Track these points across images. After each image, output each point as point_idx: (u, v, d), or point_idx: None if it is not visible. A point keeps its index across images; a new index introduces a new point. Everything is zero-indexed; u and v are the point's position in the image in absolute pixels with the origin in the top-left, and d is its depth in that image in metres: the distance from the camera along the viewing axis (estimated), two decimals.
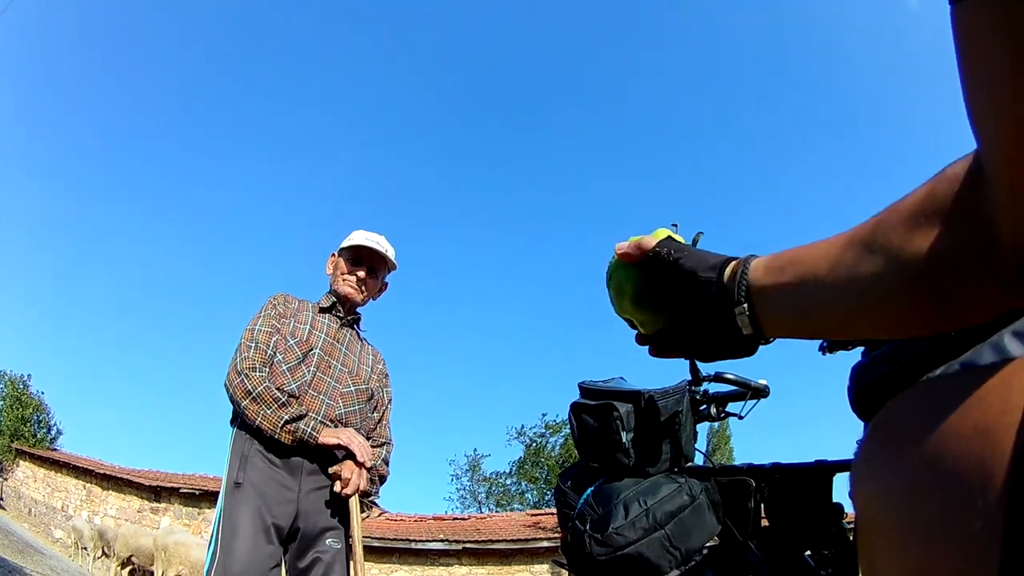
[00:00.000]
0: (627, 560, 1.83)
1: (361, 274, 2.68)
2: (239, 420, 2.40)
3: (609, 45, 61.40)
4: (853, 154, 54.98)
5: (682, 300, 0.76)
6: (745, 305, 0.67)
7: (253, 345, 2.41)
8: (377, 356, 2.84)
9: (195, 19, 60.02)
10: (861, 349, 1.78)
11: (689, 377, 2.14)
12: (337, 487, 2.31)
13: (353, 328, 2.77)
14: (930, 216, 0.48)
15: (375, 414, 2.70)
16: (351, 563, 2.37)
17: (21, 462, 23.15)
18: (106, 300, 51.68)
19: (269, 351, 2.43)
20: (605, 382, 2.19)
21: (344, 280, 2.69)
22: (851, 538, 1.79)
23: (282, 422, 2.26)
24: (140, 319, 51.83)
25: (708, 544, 1.96)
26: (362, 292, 2.71)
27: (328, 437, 2.31)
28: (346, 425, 2.48)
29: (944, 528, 0.36)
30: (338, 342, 2.64)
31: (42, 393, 27.52)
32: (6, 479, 23.54)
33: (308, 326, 2.57)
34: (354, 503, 2.34)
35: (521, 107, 60.71)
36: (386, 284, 2.87)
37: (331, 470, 2.30)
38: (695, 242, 0.85)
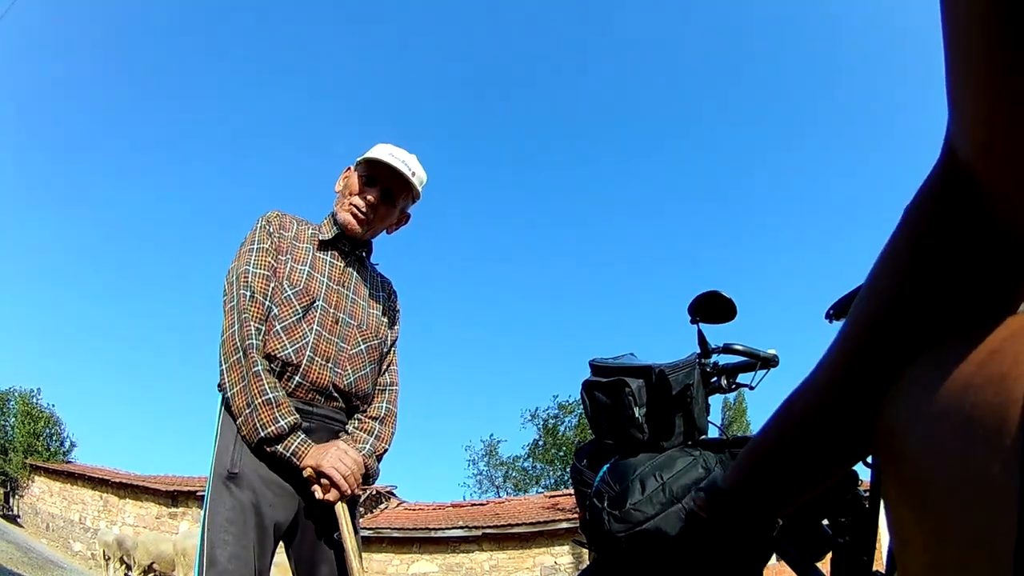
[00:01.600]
0: (646, 535, 1.83)
1: (372, 197, 2.10)
2: None
3: (609, 38, 61.10)
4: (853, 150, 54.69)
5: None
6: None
7: (248, 294, 1.92)
8: (389, 290, 2.34)
9: (186, 9, 59.72)
10: None
11: (698, 349, 2.15)
12: (318, 493, 1.86)
13: (362, 261, 2.25)
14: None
15: (383, 365, 2.23)
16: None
17: (36, 477, 23.15)
18: (109, 307, 51.72)
19: (267, 303, 1.96)
20: (616, 358, 2.18)
21: (349, 203, 2.13)
22: (866, 505, 1.80)
23: (257, 439, 1.82)
24: (145, 323, 51.99)
25: None
26: (368, 221, 2.14)
27: (310, 462, 1.85)
28: (356, 393, 2.07)
29: (964, 474, 0.38)
30: (343, 286, 2.12)
31: (52, 406, 27.61)
32: (22, 496, 23.62)
33: (307, 267, 2.06)
34: (340, 508, 1.90)
35: (535, 88, 60.44)
36: (408, 216, 2.30)
37: (306, 475, 1.86)
38: None
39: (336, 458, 1.87)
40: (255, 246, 2.02)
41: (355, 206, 2.12)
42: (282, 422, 1.83)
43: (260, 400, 1.82)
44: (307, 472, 1.86)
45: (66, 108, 49.43)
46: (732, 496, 0.80)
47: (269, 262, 2.01)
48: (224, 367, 1.90)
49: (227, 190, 53.14)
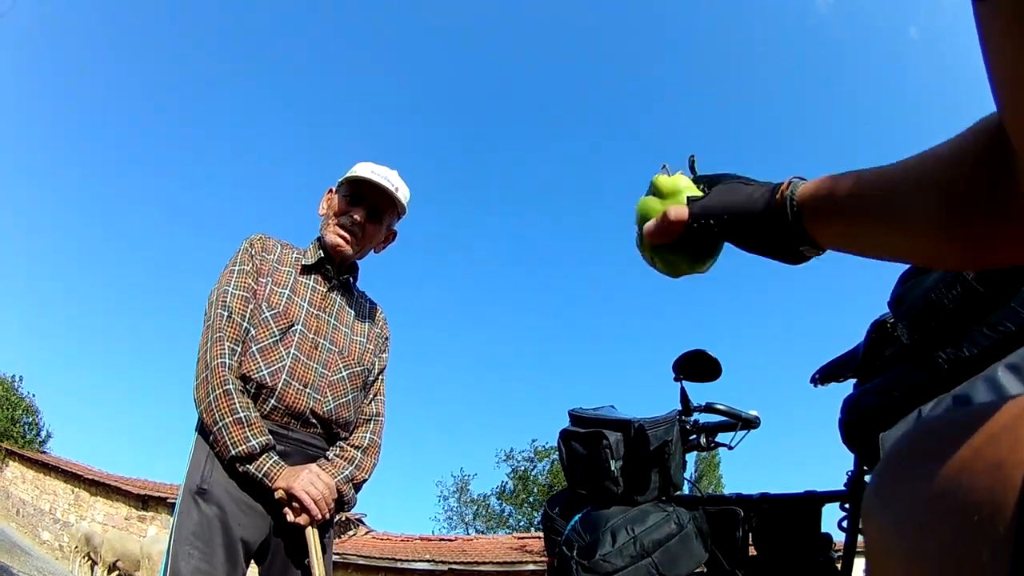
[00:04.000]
0: None
1: (358, 216, 2.09)
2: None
3: (606, 42, 61.68)
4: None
5: (739, 243, 0.81)
6: (807, 246, 0.73)
7: (226, 314, 1.92)
8: (377, 316, 2.29)
9: (186, 12, 60.14)
10: (852, 381, 1.81)
11: (680, 407, 2.15)
12: (289, 516, 1.85)
13: (347, 287, 2.22)
14: (967, 160, 0.55)
15: (369, 394, 2.20)
16: None
17: (11, 462, 23.10)
18: (101, 304, 51.48)
19: (245, 323, 1.95)
20: (595, 410, 2.18)
21: (335, 224, 2.11)
22: (839, 567, 1.80)
23: (228, 457, 1.81)
24: (135, 323, 51.78)
25: (696, 573, 1.95)
26: (357, 242, 2.13)
27: (282, 483, 1.83)
28: (336, 420, 2.04)
29: (954, 559, 0.37)
30: (325, 312, 2.09)
31: (33, 395, 27.59)
32: None
33: (287, 291, 2.03)
34: (311, 533, 1.87)
35: (525, 125, 60.80)
36: (394, 233, 2.28)
37: (277, 496, 1.84)
38: (692, 165, 0.88)
39: (308, 481, 1.85)
40: (236, 268, 2.02)
41: (342, 226, 2.10)
42: (253, 442, 1.82)
43: (231, 419, 1.81)
44: (278, 494, 1.84)
45: (54, 104, 49.59)
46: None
47: (249, 284, 2.00)
48: (195, 384, 1.90)
49: (217, 192, 53.05)
